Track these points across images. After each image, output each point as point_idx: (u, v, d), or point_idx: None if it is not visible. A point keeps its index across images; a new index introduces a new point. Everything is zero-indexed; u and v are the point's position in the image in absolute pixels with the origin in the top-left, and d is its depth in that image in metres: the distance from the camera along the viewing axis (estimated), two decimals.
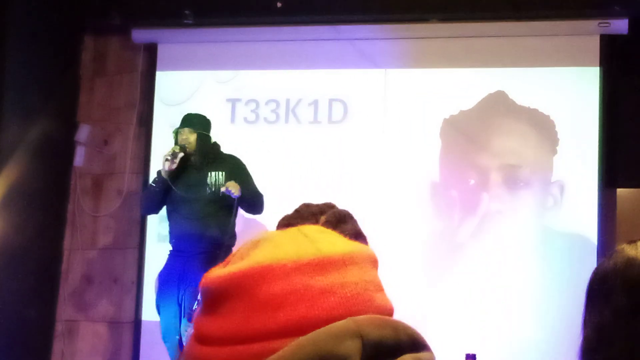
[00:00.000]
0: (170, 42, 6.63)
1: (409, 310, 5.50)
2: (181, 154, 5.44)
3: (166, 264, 5.51)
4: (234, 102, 6.46)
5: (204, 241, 5.35)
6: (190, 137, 5.52)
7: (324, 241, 1.09)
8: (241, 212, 5.64)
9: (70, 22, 6.58)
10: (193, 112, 5.81)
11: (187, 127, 5.55)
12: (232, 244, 5.44)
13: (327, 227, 1.72)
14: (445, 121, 6.16)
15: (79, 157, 6.62)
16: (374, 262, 1.11)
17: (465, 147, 6.13)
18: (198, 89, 6.54)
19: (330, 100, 6.36)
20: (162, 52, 6.63)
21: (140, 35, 6.60)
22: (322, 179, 6.22)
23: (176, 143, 5.55)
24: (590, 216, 5.85)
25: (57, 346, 6.47)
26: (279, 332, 0.97)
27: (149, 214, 5.81)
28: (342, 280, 1.03)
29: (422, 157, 6.16)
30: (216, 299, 1.02)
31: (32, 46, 6.22)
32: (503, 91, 6.13)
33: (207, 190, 5.45)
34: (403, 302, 5.43)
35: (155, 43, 6.65)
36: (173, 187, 5.44)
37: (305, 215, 1.98)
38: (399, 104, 6.24)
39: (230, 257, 1.09)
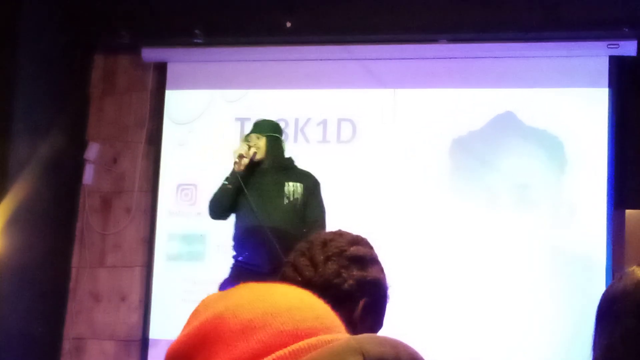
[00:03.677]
0: (180, 60, 6.67)
1: (417, 333, 5.49)
2: (245, 160, 5.10)
3: (230, 277, 5.08)
4: (243, 121, 6.46)
5: (278, 257, 4.79)
6: (259, 143, 5.17)
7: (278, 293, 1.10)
8: None
9: (81, 40, 6.62)
10: (262, 119, 5.51)
11: (254, 132, 5.23)
12: None
13: (342, 245, 1.91)
14: (454, 141, 6.19)
15: (88, 175, 6.64)
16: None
17: (474, 167, 6.17)
18: (207, 107, 6.57)
19: (339, 120, 6.39)
20: (171, 70, 6.67)
21: (150, 54, 6.65)
22: (330, 198, 6.07)
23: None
24: (599, 237, 5.84)
25: None
26: (263, 350, 0.99)
27: (219, 218, 5.25)
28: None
29: (431, 177, 6.18)
30: (187, 357, 1.03)
31: (42, 64, 6.27)
32: (512, 112, 6.16)
33: (285, 201, 5.11)
34: (410, 324, 5.45)
35: (165, 62, 6.69)
36: (245, 190, 5.06)
37: (325, 234, 1.97)
38: (407, 124, 6.27)
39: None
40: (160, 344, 6.26)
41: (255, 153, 5.14)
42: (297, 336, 1.02)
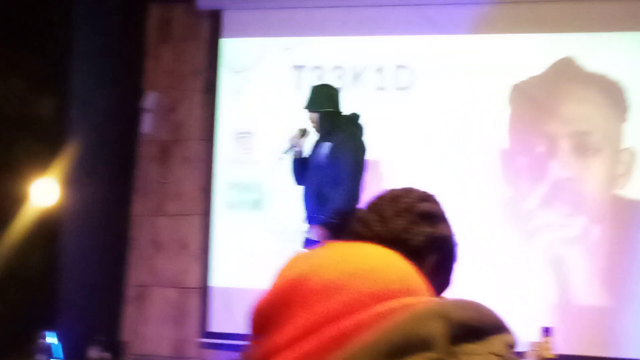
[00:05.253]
0: (235, 8, 6.69)
1: (478, 277, 5.55)
2: (297, 148, 5.73)
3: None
4: (299, 68, 6.51)
5: (318, 212, 5.50)
6: (313, 117, 5.69)
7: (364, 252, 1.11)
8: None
9: None
10: (317, 84, 5.91)
11: (309, 107, 5.69)
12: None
13: (413, 200, 1.91)
14: (514, 87, 6.16)
15: (146, 124, 6.71)
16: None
17: (534, 114, 6.15)
18: (263, 55, 6.60)
19: (397, 67, 6.39)
20: (227, 18, 6.70)
21: (205, 2, 6.68)
22: (388, 146, 6.27)
23: None
24: None
25: (128, 310, 6.64)
26: (343, 310, 1.00)
27: (300, 184, 5.82)
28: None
29: (490, 124, 6.18)
30: (269, 315, 1.05)
31: (97, 14, 6.33)
32: (571, 57, 6.12)
33: (315, 161, 5.64)
34: (472, 270, 5.50)
35: (220, 9, 6.72)
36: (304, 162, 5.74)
37: (396, 190, 1.98)
38: (466, 71, 6.25)
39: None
40: (221, 291, 6.41)
41: (308, 132, 5.73)
42: (378, 298, 1.02)
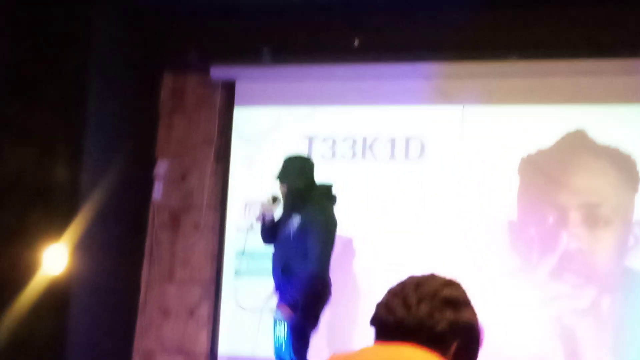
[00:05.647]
0: (248, 79, 6.78)
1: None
2: (269, 214, 5.80)
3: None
4: (311, 138, 6.60)
5: (288, 290, 5.53)
6: (282, 188, 5.77)
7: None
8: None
9: (151, 59, 6.78)
10: (291, 155, 5.95)
11: (280, 178, 5.78)
12: (327, 294, 5.57)
13: (436, 286, 1.90)
14: (524, 160, 6.20)
15: (157, 191, 6.78)
16: None
17: (543, 185, 6.16)
18: (275, 125, 6.69)
19: (407, 139, 6.45)
20: (240, 88, 6.81)
21: (219, 72, 6.78)
22: (398, 216, 6.32)
23: None
24: None
25: None
26: None
27: (269, 244, 5.93)
28: None
29: (499, 196, 6.20)
30: None
31: (113, 83, 6.42)
32: (582, 130, 6.16)
33: (285, 232, 5.64)
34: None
35: (233, 80, 6.83)
36: (274, 227, 5.83)
37: (417, 276, 1.98)
38: (476, 141, 6.31)
39: None
40: None
41: (280, 200, 5.80)
42: None
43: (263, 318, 6.23)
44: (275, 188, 5.80)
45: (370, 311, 1.90)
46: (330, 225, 5.63)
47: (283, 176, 5.75)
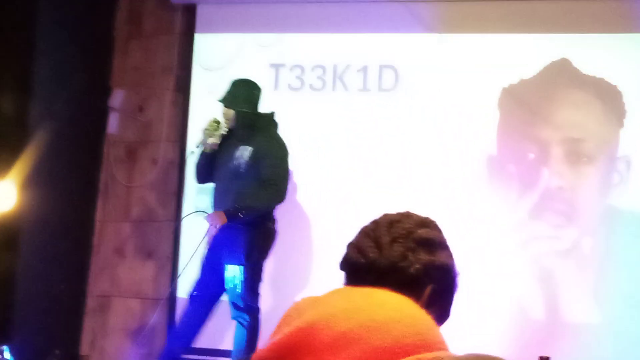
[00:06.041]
0: (210, 2, 6.77)
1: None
2: (213, 139, 5.74)
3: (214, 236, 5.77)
4: (277, 67, 6.60)
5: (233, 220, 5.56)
6: (228, 114, 5.75)
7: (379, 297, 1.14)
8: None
9: None
10: (240, 79, 5.95)
11: (225, 102, 5.75)
12: (266, 219, 5.65)
13: (410, 226, 1.91)
14: (504, 91, 6.26)
15: (112, 124, 6.77)
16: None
17: (525, 119, 6.23)
18: (239, 52, 6.67)
19: (381, 67, 6.47)
20: (201, 13, 6.79)
21: None
22: (370, 151, 6.37)
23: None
24: None
25: (88, 322, 6.66)
26: None
27: (202, 183, 6.00)
28: None
29: (478, 129, 6.27)
30: None
31: (63, 6, 6.37)
32: (567, 59, 6.20)
33: (231, 165, 5.65)
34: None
35: (194, 3, 6.81)
36: (213, 160, 5.77)
37: (392, 215, 1.99)
38: (454, 72, 6.35)
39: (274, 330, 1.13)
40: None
41: (221, 124, 5.78)
42: (394, 353, 1.05)
43: None
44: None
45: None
46: (286, 154, 5.71)
47: (230, 100, 5.75)
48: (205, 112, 6.42)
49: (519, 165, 6.19)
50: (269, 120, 5.83)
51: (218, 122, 5.77)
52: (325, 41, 6.59)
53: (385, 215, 1.96)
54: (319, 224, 6.36)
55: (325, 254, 6.03)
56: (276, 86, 6.58)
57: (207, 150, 5.77)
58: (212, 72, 6.66)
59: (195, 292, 5.71)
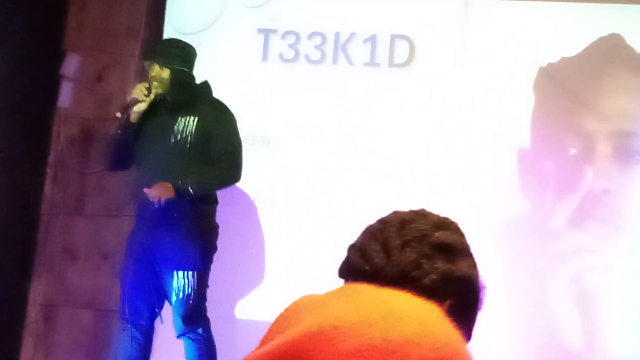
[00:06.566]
0: None
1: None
2: (143, 105, 5.49)
3: (132, 234, 5.61)
4: (267, 33, 6.45)
5: (171, 208, 5.36)
6: (162, 74, 5.54)
7: (388, 295, 1.26)
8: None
9: None
10: (170, 38, 5.93)
11: (158, 61, 5.55)
12: (212, 211, 5.55)
13: (425, 227, 1.84)
14: (542, 71, 6.11)
15: (65, 95, 6.58)
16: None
17: (566, 106, 6.07)
18: (222, 14, 6.54)
19: (393, 37, 6.31)
20: None
21: None
22: (377, 137, 6.21)
23: None
24: None
25: (29, 336, 6.47)
26: None
27: (117, 169, 5.79)
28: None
29: (507, 117, 6.11)
30: None
31: None
32: (619, 34, 6.07)
33: (171, 140, 5.48)
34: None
35: None
36: (138, 135, 5.56)
37: (404, 213, 1.91)
38: (480, 46, 6.22)
39: (265, 334, 1.22)
40: None
41: (155, 93, 5.53)
42: None
43: None
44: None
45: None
46: (237, 124, 5.58)
47: (165, 59, 5.53)
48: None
49: (557, 162, 6.04)
50: (207, 86, 5.68)
51: (148, 86, 5.54)
52: (326, 3, 6.43)
53: (396, 214, 1.91)
54: (312, 222, 6.25)
55: (322, 252, 5.98)
56: (265, 56, 6.42)
57: (135, 120, 5.49)
58: (188, 36, 6.38)
59: (127, 315, 5.47)
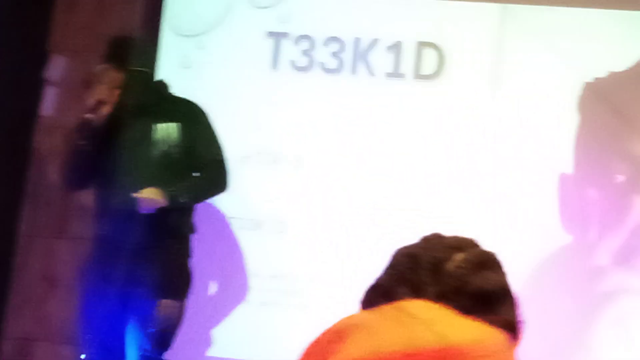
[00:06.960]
0: None
1: None
2: (107, 107, 5.49)
3: (93, 263, 5.58)
4: (278, 37, 6.36)
5: (153, 230, 5.38)
6: (117, 78, 5.56)
7: (441, 323, 1.29)
8: None
9: None
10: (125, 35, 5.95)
11: (110, 62, 5.58)
12: (190, 233, 5.62)
13: (462, 271, 1.85)
14: (588, 87, 5.98)
15: (48, 102, 6.55)
16: (507, 349, 1.37)
17: (614, 127, 5.99)
18: (226, 14, 6.44)
19: (419, 45, 6.22)
20: None
21: None
22: (401, 157, 6.12)
23: None
24: None
25: None
26: None
27: (77, 187, 5.82)
28: None
29: (547, 138, 6.02)
30: None
31: None
32: None
33: (155, 152, 5.50)
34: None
35: None
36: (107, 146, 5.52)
37: (436, 247, 1.89)
38: (519, 56, 6.11)
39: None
40: None
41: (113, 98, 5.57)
42: None
43: None
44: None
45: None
46: (214, 126, 5.66)
47: (122, 59, 5.56)
48: (177, 91, 6.19)
49: (603, 190, 5.95)
50: (165, 84, 5.75)
51: (101, 102, 5.54)
52: (344, 4, 6.37)
53: (426, 244, 1.89)
54: (327, 250, 6.13)
55: (342, 286, 5.84)
56: (275, 64, 6.33)
57: (98, 123, 5.46)
58: (188, 39, 6.45)
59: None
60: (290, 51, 6.33)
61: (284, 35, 6.33)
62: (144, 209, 5.29)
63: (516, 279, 4.93)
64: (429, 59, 6.20)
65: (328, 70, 6.28)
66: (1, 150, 6.42)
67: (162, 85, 5.73)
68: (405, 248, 1.97)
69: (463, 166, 6.06)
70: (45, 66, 6.53)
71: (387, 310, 1.35)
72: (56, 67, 6.55)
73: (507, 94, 6.06)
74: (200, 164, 5.51)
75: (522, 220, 5.93)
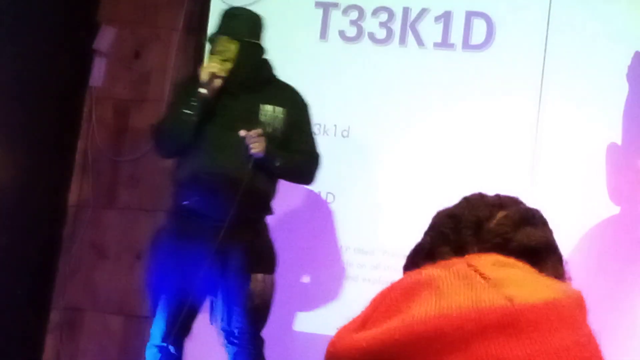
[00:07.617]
0: None
1: None
2: (219, 80, 5.54)
3: (170, 228, 5.69)
4: (326, 7, 6.62)
5: (241, 206, 5.42)
6: (230, 49, 5.62)
7: (512, 284, 1.22)
8: None
9: None
10: (239, 7, 6.04)
11: (225, 33, 5.66)
12: (267, 214, 5.74)
13: (505, 229, 1.84)
14: (637, 56, 6.16)
15: (98, 73, 6.78)
16: (581, 308, 1.27)
17: None
18: None
19: (469, 14, 6.45)
20: None
21: None
22: (450, 128, 6.36)
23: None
24: None
25: (51, 343, 6.65)
26: None
27: (175, 155, 5.78)
28: (548, 347, 1.16)
29: (596, 108, 6.19)
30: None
31: None
32: None
33: (261, 130, 5.57)
34: None
35: None
36: (209, 120, 5.60)
37: (478, 206, 1.88)
38: (568, 26, 6.28)
39: (364, 312, 1.26)
40: None
41: (226, 70, 5.60)
42: None
43: None
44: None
45: None
46: None
47: (236, 31, 5.65)
48: None
49: None
50: (271, 64, 5.82)
51: (223, 60, 5.60)
52: None
53: (468, 204, 1.86)
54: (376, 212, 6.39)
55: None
56: (323, 34, 6.59)
57: (209, 97, 5.54)
58: None
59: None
60: (339, 21, 6.53)
61: (332, 4, 6.51)
62: (252, 148, 5.35)
63: (561, 251, 5.38)
64: (479, 29, 6.38)
65: (377, 41, 6.48)
66: (50, 120, 6.54)
67: (270, 65, 5.79)
68: (447, 209, 1.95)
69: (512, 136, 6.22)
70: (94, 37, 6.69)
71: (457, 268, 1.30)
72: (105, 38, 6.71)
73: (556, 63, 6.20)
74: (297, 149, 5.60)
75: (569, 190, 6.05)
